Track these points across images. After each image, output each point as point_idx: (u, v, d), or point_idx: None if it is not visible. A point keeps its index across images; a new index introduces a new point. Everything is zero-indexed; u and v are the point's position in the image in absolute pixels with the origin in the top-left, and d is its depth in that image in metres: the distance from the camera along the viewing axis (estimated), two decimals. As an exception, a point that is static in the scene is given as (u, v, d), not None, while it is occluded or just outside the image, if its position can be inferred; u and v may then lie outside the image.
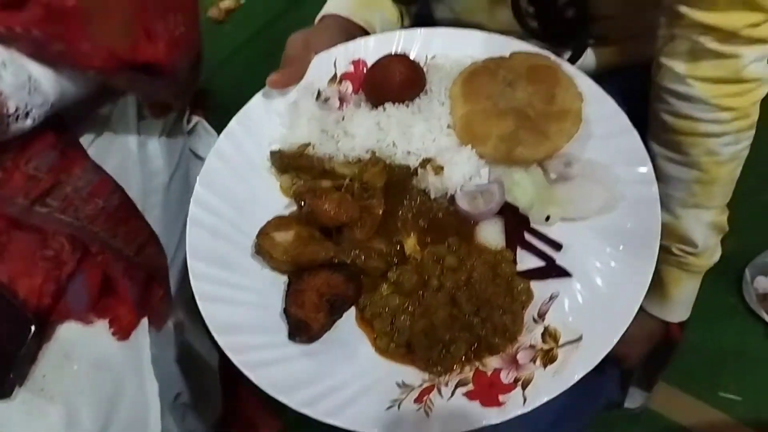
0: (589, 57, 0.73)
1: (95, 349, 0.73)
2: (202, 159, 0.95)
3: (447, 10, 0.75)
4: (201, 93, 0.92)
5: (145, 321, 0.75)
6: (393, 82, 0.59)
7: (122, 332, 0.72)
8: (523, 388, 0.49)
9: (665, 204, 0.73)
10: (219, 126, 0.96)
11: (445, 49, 0.65)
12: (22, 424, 0.69)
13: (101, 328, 0.73)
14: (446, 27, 0.69)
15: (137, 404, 0.73)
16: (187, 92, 0.83)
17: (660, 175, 0.72)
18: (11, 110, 0.64)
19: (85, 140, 0.77)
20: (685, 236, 0.72)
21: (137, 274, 0.73)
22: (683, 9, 0.62)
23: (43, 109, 0.67)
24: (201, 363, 0.89)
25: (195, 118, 0.93)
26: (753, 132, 0.69)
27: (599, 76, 0.72)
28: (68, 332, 0.72)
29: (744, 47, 0.61)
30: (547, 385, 0.49)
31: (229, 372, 0.90)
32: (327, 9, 0.76)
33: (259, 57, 1.56)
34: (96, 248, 0.70)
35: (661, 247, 0.76)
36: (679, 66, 0.64)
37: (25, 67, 0.64)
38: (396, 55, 0.63)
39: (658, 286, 0.75)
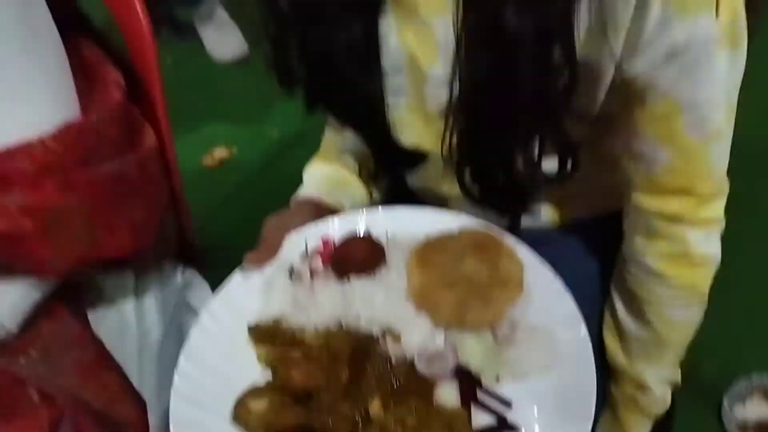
0: (545, 214, 0.79)
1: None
2: (195, 310, 0.99)
3: (416, 179, 0.82)
4: (193, 247, 0.97)
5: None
6: (356, 260, 0.65)
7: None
8: None
9: (624, 352, 0.78)
10: (212, 276, 1.01)
11: (402, 226, 0.72)
12: None
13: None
14: (404, 205, 0.76)
15: None
16: (162, 255, 0.88)
17: (619, 328, 0.78)
18: None
19: (85, 303, 0.80)
20: (640, 383, 0.77)
21: (108, 427, 0.74)
22: (633, 193, 0.69)
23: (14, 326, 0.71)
24: None
25: (188, 272, 0.97)
26: (705, 302, 0.74)
27: (565, 229, 0.78)
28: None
29: (689, 228, 0.67)
30: None
31: None
32: (301, 192, 0.83)
33: (251, 205, 1.63)
34: (62, 402, 0.72)
35: (620, 391, 0.79)
36: (639, 240, 0.71)
37: None
38: (359, 236, 0.69)
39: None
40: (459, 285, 0.63)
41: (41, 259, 0.67)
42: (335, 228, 0.74)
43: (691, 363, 1.29)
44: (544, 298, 0.65)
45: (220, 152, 1.93)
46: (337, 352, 0.62)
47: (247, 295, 0.70)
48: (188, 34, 2.30)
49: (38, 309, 0.74)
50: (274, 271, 0.71)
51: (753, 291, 1.46)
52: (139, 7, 0.82)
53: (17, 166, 0.64)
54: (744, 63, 0.61)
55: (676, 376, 0.79)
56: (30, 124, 0.66)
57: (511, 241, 0.68)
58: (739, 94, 0.63)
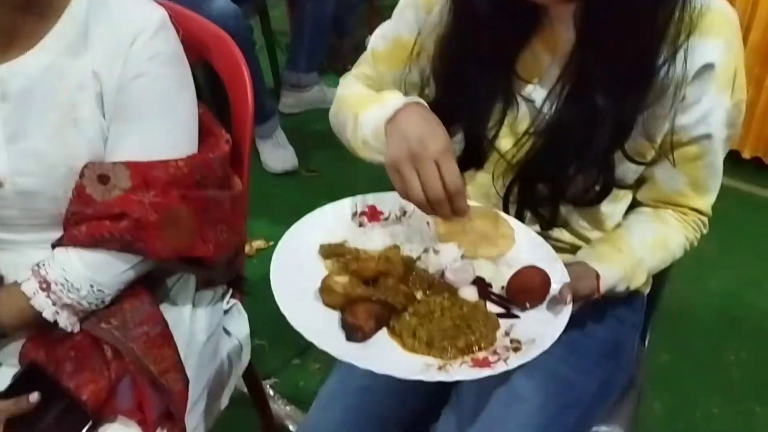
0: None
1: (126, 452, 0.91)
2: (231, 335, 1.21)
3: None
4: (241, 281, 1.21)
5: (167, 436, 0.94)
6: (532, 287, 0.86)
7: (148, 433, 0.91)
8: (505, 360, 0.78)
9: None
10: (250, 311, 1.24)
11: None
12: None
13: (134, 434, 0.92)
14: None
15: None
16: (225, 276, 1.12)
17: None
18: (86, 307, 0.93)
19: (157, 297, 1.03)
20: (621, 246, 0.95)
21: (159, 392, 0.93)
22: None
23: (110, 296, 0.95)
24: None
25: (232, 301, 1.20)
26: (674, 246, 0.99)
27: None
28: (110, 433, 0.92)
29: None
30: (520, 358, 0.78)
31: None
32: (400, 102, 0.88)
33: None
34: (129, 360, 0.92)
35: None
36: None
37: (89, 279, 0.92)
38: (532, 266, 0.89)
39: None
40: (472, 234, 0.90)
41: (153, 245, 0.92)
42: (377, 198, 0.99)
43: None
44: (531, 248, 0.92)
45: (258, 243, 2.20)
46: (393, 257, 0.88)
47: (316, 228, 0.94)
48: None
49: (126, 288, 0.98)
50: (336, 215, 0.96)
51: (715, 428, 1.66)
52: (249, 92, 1.14)
53: (156, 175, 0.91)
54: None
55: (641, 278, 0.96)
56: (170, 148, 0.94)
57: (503, 215, 0.95)
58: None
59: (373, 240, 0.93)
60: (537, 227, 0.98)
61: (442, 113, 0.90)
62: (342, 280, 0.84)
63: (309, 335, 0.77)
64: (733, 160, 2.58)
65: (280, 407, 1.71)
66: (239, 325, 1.21)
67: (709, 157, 0.92)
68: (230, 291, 1.20)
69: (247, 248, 2.25)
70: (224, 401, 1.17)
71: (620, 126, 0.87)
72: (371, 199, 0.99)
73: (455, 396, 0.97)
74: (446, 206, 0.82)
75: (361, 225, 0.97)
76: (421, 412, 1.01)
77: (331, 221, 0.96)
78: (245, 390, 1.49)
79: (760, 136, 2.52)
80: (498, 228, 0.93)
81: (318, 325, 0.82)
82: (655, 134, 0.90)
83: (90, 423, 0.89)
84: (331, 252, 0.92)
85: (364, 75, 1.07)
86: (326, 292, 0.85)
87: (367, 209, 0.99)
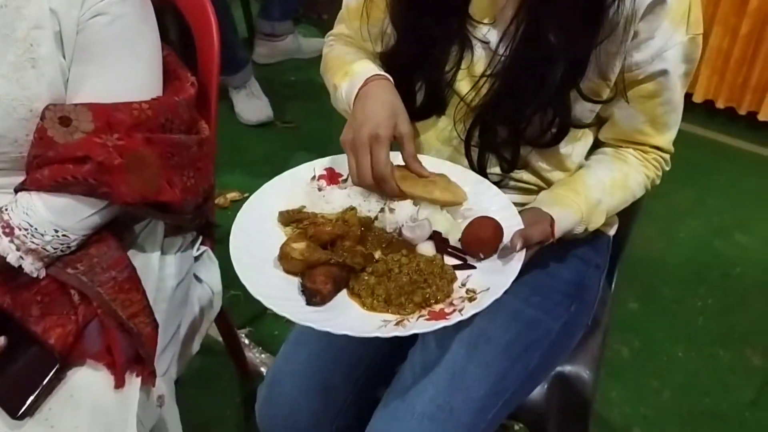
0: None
1: (95, 396, 0.92)
2: (201, 281, 1.21)
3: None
4: (211, 227, 1.21)
5: (137, 381, 0.95)
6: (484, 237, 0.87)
7: (117, 379, 0.92)
8: (459, 311, 0.80)
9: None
10: (220, 257, 1.24)
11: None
12: (24, 447, 0.86)
13: (104, 380, 0.92)
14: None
15: (118, 449, 0.90)
16: (194, 222, 1.11)
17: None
18: (51, 252, 0.93)
19: (125, 243, 1.03)
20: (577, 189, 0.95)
21: (128, 336, 0.94)
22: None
23: (75, 241, 0.95)
24: (169, 442, 1.05)
25: (203, 248, 1.20)
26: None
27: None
28: (78, 378, 0.92)
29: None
30: (474, 308, 0.79)
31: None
32: (371, 71, 0.95)
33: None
34: (97, 304, 0.93)
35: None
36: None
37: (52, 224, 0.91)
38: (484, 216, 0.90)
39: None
40: (429, 186, 0.92)
41: (117, 189, 0.91)
42: (335, 161, 1.00)
43: (624, 426, 1.56)
44: (486, 197, 0.93)
45: (232, 195, 2.18)
46: (350, 220, 0.89)
47: (275, 196, 0.95)
48: (222, 96, 2.62)
49: (92, 234, 0.98)
50: (294, 181, 0.97)
51: (681, 372, 1.73)
52: (215, 35, 1.12)
53: (120, 117, 0.90)
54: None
55: (599, 219, 0.97)
56: (134, 91, 0.92)
57: (458, 171, 0.97)
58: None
59: (332, 203, 0.94)
60: (498, 169, 0.99)
61: (401, 60, 0.94)
62: (299, 246, 0.85)
63: (268, 302, 0.78)
64: (706, 109, 2.61)
65: (255, 355, 1.73)
66: (210, 272, 1.22)
67: (667, 93, 0.93)
68: (200, 238, 1.20)
69: (221, 200, 2.26)
70: (195, 347, 1.18)
71: (574, 64, 0.88)
72: (329, 161, 1.00)
73: (421, 337, 0.99)
74: (376, 190, 0.91)
75: (320, 189, 0.97)
76: (388, 354, 1.03)
77: (290, 187, 0.97)
78: (220, 339, 1.51)
79: (734, 85, 2.53)
80: (449, 183, 0.94)
81: (278, 291, 0.83)
82: (608, 72, 0.91)
83: (57, 366, 0.89)
84: (289, 218, 0.92)
85: (343, 34, 1.09)
86: (284, 260, 0.85)
87: (325, 172, 0.99)
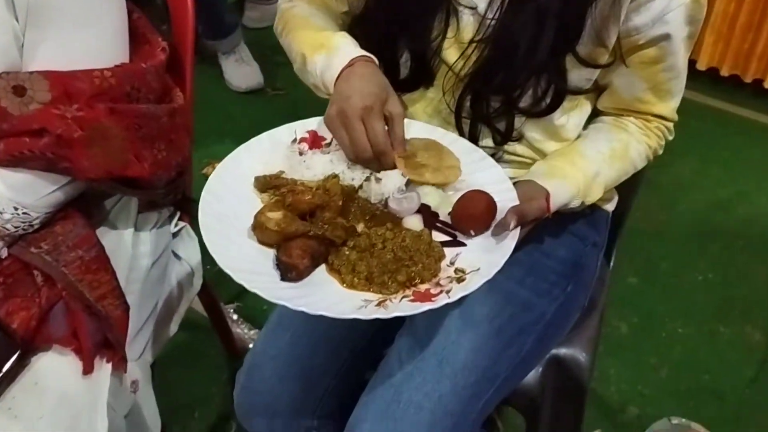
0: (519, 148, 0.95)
1: (62, 383, 0.86)
2: (180, 259, 1.15)
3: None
4: (189, 202, 1.14)
5: (108, 366, 0.90)
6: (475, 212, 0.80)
7: (85, 364, 0.86)
8: (447, 292, 0.73)
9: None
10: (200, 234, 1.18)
11: None
12: (-16, 437, 0.81)
13: (71, 365, 0.87)
14: None
15: (86, 439, 0.86)
16: (167, 197, 1.04)
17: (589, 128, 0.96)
18: (12, 231, 0.86)
19: (94, 220, 0.97)
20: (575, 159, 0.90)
21: (96, 319, 0.88)
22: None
23: (38, 219, 0.88)
24: (144, 428, 1.01)
25: (181, 224, 1.14)
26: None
27: None
28: (43, 364, 0.87)
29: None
30: (462, 289, 0.73)
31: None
32: (353, 52, 0.86)
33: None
34: (62, 286, 0.87)
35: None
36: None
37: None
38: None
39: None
40: (419, 166, 0.84)
41: (79, 164, 0.84)
42: (319, 123, 0.91)
43: (621, 403, 1.50)
44: (479, 170, 0.86)
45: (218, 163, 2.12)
46: (332, 189, 0.82)
47: (252, 159, 0.88)
48: (211, 62, 2.54)
49: (57, 211, 0.91)
50: (273, 144, 0.89)
51: (680, 348, 1.69)
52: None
53: (79, 86, 0.82)
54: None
55: (597, 193, 0.91)
56: (95, 57, 0.85)
57: (451, 139, 0.90)
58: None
59: (313, 169, 0.86)
60: (491, 141, 0.92)
61: (380, 30, 0.88)
62: (275, 215, 0.78)
63: (237, 276, 0.72)
64: (710, 77, 2.53)
65: (243, 331, 1.69)
66: (189, 248, 1.16)
67: (670, 58, 0.86)
68: (178, 213, 1.14)
69: (209, 170, 2.19)
70: (173, 328, 1.12)
71: (567, 26, 0.81)
72: (313, 123, 0.93)
73: (409, 320, 0.94)
74: (375, 163, 0.83)
75: (301, 153, 0.90)
76: (374, 337, 0.98)
77: (268, 150, 0.90)
78: (206, 315, 1.46)
79: (739, 52, 2.44)
80: (443, 159, 0.87)
81: (250, 264, 0.76)
82: (605, 38, 0.84)
83: (18, 352, 0.84)
84: (266, 184, 0.85)
85: None
86: (259, 230, 0.79)
87: (308, 135, 0.92)
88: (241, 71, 2.49)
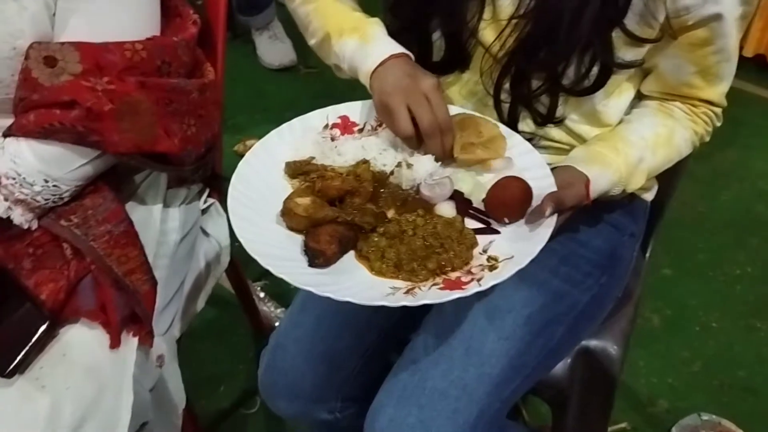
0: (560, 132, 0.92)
1: (89, 356, 0.87)
2: (208, 235, 1.15)
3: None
4: (219, 179, 1.14)
5: (134, 341, 0.90)
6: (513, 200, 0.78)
7: (112, 338, 0.86)
8: (478, 281, 0.72)
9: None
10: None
11: None
12: (14, 405, 0.82)
13: (98, 338, 0.88)
14: None
15: (112, 411, 0.86)
16: (197, 173, 1.04)
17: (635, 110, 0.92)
18: (42, 203, 0.86)
19: (123, 194, 0.97)
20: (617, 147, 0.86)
21: (124, 293, 0.88)
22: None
23: (68, 192, 0.88)
24: (169, 402, 1.01)
25: (210, 200, 1.14)
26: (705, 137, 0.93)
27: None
28: (71, 336, 0.87)
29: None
30: (494, 278, 0.71)
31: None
32: (390, 51, 0.85)
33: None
34: (90, 260, 0.87)
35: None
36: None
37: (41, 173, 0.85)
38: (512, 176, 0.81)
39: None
40: (465, 145, 0.83)
41: (109, 137, 0.84)
42: (350, 108, 0.91)
43: (650, 396, 1.47)
44: (516, 156, 0.84)
45: (252, 142, 2.10)
46: (362, 174, 0.81)
47: (283, 145, 0.87)
48: (244, 38, 2.53)
49: (87, 185, 0.91)
50: (305, 129, 0.89)
51: (713, 343, 1.65)
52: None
53: (110, 59, 0.82)
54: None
55: (639, 180, 0.88)
56: (127, 29, 0.84)
57: (484, 117, 0.87)
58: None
59: (344, 155, 0.85)
60: (531, 123, 0.89)
61: (411, 13, 0.86)
62: (304, 201, 0.77)
63: (264, 262, 0.71)
64: (757, 65, 2.44)
65: (269, 309, 1.69)
66: (218, 225, 1.15)
67: (720, 40, 0.82)
68: (207, 190, 1.13)
69: (240, 147, 2.19)
70: (200, 304, 1.12)
71: None
72: (344, 109, 0.91)
73: (436, 306, 0.92)
74: (438, 140, 0.82)
75: (332, 139, 0.88)
76: (400, 321, 0.96)
77: (299, 136, 0.88)
78: (234, 293, 1.46)
79: (790, 40, 2.35)
80: (482, 133, 0.84)
81: (278, 250, 0.76)
82: (655, 13, 0.80)
83: (48, 323, 0.84)
84: (297, 170, 0.84)
85: None
86: (287, 215, 0.78)
87: (339, 120, 0.90)
88: (274, 48, 2.48)
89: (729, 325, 1.69)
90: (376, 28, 0.88)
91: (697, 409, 1.46)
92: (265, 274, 1.77)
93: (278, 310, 1.70)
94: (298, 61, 2.48)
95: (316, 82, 2.43)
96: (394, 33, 0.88)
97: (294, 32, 2.68)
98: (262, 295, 1.72)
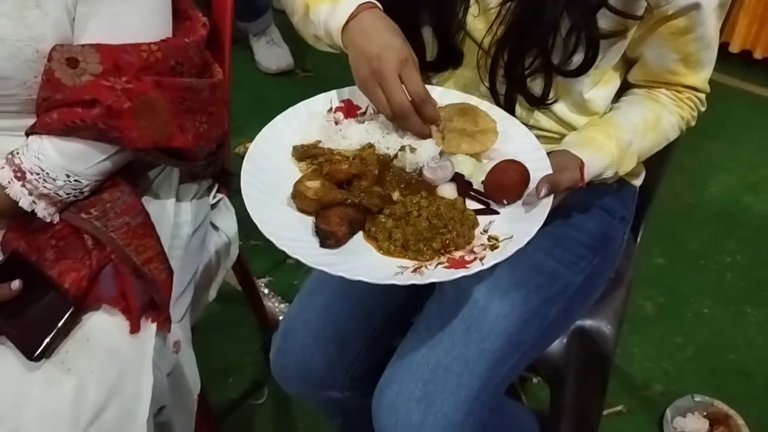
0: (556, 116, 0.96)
1: (111, 341, 0.91)
2: (218, 229, 1.20)
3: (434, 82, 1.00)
4: (227, 175, 1.19)
5: (153, 327, 0.95)
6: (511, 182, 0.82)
7: (132, 324, 0.91)
8: (480, 260, 0.76)
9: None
10: (238, 206, 1.22)
11: None
12: (40, 388, 0.87)
13: (119, 324, 0.92)
14: None
15: (134, 393, 0.90)
16: (208, 169, 1.09)
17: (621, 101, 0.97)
18: (64, 197, 0.91)
19: (138, 189, 1.02)
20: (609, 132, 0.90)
21: (142, 281, 0.93)
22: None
23: (88, 186, 0.93)
24: (185, 387, 1.06)
25: (219, 195, 1.19)
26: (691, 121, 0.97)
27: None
28: (94, 322, 0.92)
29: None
30: (495, 257, 0.76)
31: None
32: (355, 3, 0.85)
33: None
34: (110, 249, 0.92)
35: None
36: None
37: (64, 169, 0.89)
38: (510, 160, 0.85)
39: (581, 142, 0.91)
40: (454, 132, 0.87)
41: (128, 134, 0.89)
42: (354, 92, 0.93)
43: (644, 380, 1.52)
44: (513, 138, 0.88)
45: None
46: (368, 158, 0.85)
47: (289, 129, 0.91)
48: (242, 44, 2.58)
49: (105, 180, 0.96)
50: (310, 114, 0.93)
51: (706, 328, 1.71)
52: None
53: (128, 60, 0.87)
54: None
55: (630, 163, 0.93)
56: (141, 32, 0.89)
57: (485, 106, 0.91)
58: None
59: (349, 138, 0.89)
60: (524, 114, 0.94)
61: (405, 7, 0.89)
62: (313, 184, 0.81)
63: (280, 243, 0.75)
64: (743, 60, 2.50)
65: (274, 305, 1.74)
66: (227, 219, 1.20)
67: (700, 29, 0.87)
68: (216, 185, 1.18)
69: (240, 149, 2.24)
70: (212, 294, 1.17)
71: None
72: (347, 93, 0.95)
73: (438, 288, 0.97)
74: (415, 119, 0.83)
75: (336, 122, 0.93)
76: (405, 304, 1.02)
77: (305, 120, 0.93)
78: (240, 288, 1.51)
79: (774, 35, 2.42)
80: (478, 123, 0.89)
81: (290, 232, 0.80)
82: (632, 8, 0.85)
83: (72, 309, 0.89)
84: (304, 154, 0.89)
85: None
86: (298, 198, 0.82)
87: (342, 104, 0.95)
88: (272, 53, 2.53)
89: (720, 312, 1.74)
90: None
91: (690, 392, 1.51)
92: (269, 270, 1.82)
93: (282, 305, 1.75)
94: (295, 65, 2.54)
95: (314, 85, 2.44)
96: None
97: (291, 37, 2.76)
98: (266, 291, 1.77)
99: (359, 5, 0.85)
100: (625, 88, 0.99)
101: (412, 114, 0.83)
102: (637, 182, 1.06)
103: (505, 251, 0.76)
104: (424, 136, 0.86)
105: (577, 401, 1.13)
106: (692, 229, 1.96)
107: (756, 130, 2.31)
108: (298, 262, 0.75)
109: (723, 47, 0.92)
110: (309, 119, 0.93)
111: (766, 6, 2.37)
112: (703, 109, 0.97)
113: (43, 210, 0.91)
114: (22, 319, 0.90)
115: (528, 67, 0.89)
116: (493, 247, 0.78)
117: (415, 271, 0.77)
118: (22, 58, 0.87)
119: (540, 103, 0.93)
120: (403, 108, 0.82)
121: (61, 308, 0.90)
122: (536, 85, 0.91)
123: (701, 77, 0.94)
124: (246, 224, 1.23)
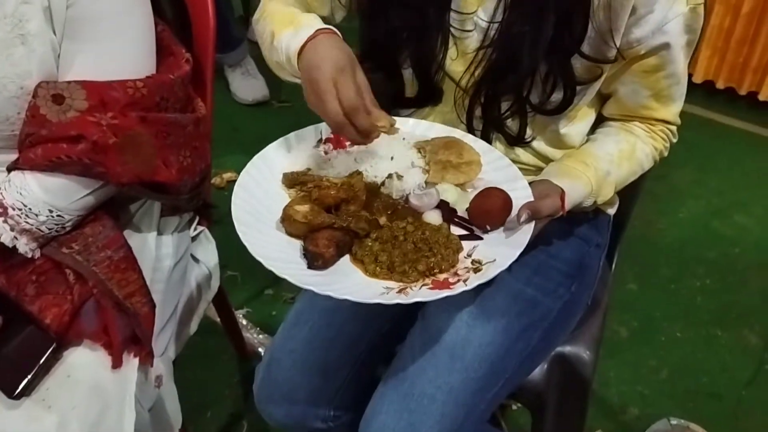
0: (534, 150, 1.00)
1: (93, 376, 0.91)
2: (199, 261, 1.20)
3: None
4: (208, 208, 1.19)
5: (135, 361, 0.94)
6: (493, 209, 0.85)
7: (114, 359, 0.91)
8: (464, 281, 0.78)
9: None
10: (218, 237, 1.23)
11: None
12: (21, 427, 0.86)
13: (101, 359, 0.92)
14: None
15: (116, 429, 0.90)
16: (190, 202, 1.09)
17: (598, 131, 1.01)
18: (46, 232, 0.91)
19: (119, 222, 1.02)
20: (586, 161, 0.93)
21: (125, 315, 0.93)
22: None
23: (70, 221, 0.93)
24: (167, 421, 1.05)
25: (200, 228, 1.19)
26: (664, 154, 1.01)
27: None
28: (75, 358, 0.91)
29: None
30: (479, 278, 0.78)
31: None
32: (315, 27, 0.86)
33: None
34: (93, 284, 0.92)
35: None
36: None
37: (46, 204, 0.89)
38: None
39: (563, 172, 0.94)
40: (438, 165, 0.91)
41: (113, 169, 0.89)
42: None
43: (621, 404, 1.55)
44: (496, 168, 0.92)
45: (229, 175, 2.17)
46: (356, 184, 0.87)
47: (280, 157, 0.94)
48: (217, 75, 2.59)
49: (87, 214, 0.96)
50: (300, 143, 0.95)
51: (679, 351, 1.75)
52: (210, 10, 1.09)
53: (114, 95, 0.88)
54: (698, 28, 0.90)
55: (608, 191, 0.96)
56: (126, 68, 0.90)
57: (469, 139, 0.95)
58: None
59: (337, 167, 0.92)
60: (502, 148, 0.97)
61: (377, 51, 0.93)
62: (302, 208, 0.83)
63: (268, 264, 0.77)
64: (706, 90, 2.59)
65: (252, 336, 1.73)
66: (207, 251, 1.21)
67: (670, 66, 0.91)
68: (197, 218, 1.19)
69: (218, 180, 2.24)
70: (193, 327, 1.17)
71: (566, 16, 0.85)
72: None
73: (421, 317, 0.98)
74: (349, 129, 0.82)
75: (326, 153, 0.95)
76: (388, 334, 1.03)
77: (295, 149, 0.95)
78: (218, 320, 1.51)
79: (734, 65, 2.51)
80: (463, 155, 0.92)
81: (279, 254, 0.81)
82: (605, 50, 0.88)
83: (53, 346, 0.88)
84: (294, 180, 0.91)
85: None
86: (287, 222, 0.84)
87: (332, 136, 0.97)
88: (247, 84, 2.55)
89: (692, 335, 1.78)
90: (308, 16, 0.90)
91: (665, 414, 1.54)
92: (247, 301, 1.81)
93: (261, 336, 1.74)
94: (270, 96, 2.56)
95: (289, 115, 2.50)
96: (368, 71, 0.91)
97: (267, 68, 2.78)
98: (244, 322, 1.76)
99: (317, 29, 0.86)
100: (599, 121, 1.02)
101: (346, 124, 0.82)
102: (612, 211, 1.09)
103: (488, 273, 0.78)
104: (360, 143, 0.87)
105: (557, 427, 1.14)
106: (663, 255, 2.01)
107: (720, 157, 2.39)
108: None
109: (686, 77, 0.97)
110: (299, 148, 0.95)
111: (726, 38, 2.47)
112: (675, 140, 1.01)
113: (24, 245, 0.91)
114: (1, 357, 0.89)
115: (505, 110, 0.92)
116: (477, 270, 0.80)
117: (400, 291, 0.79)
118: (6, 94, 0.87)
119: (517, 142, 0.96)
120: (336, 117, 0.81)
121: (42, 344, 0.89)
122: (513, 125, 0.95)
123: (672, 111, 0.98)
124: (223, 255, 1.24)
